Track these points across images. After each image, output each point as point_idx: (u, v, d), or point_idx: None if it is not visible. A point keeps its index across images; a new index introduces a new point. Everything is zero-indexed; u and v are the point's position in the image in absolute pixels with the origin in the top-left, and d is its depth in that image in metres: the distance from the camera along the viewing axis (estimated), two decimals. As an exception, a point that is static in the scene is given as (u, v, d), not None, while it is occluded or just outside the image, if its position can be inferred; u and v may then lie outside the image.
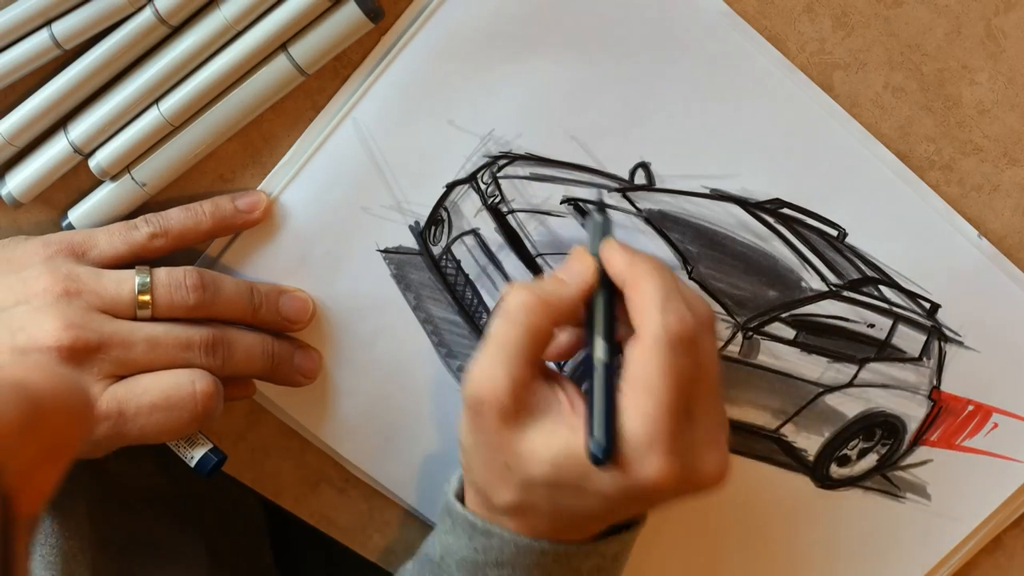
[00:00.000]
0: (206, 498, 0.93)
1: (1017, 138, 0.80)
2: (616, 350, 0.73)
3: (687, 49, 0.79)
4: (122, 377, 0.76)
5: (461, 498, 0.78)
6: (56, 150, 0.79)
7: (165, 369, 0.76)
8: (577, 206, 0.81)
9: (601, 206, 0.80)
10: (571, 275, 0.75)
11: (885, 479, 0.85)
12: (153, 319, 0.77)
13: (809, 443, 0.84)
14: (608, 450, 0.70)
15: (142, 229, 0.78)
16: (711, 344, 0.73)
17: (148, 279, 0.77)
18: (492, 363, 0.73)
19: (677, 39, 0.79)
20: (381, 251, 0.82)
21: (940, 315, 0.82)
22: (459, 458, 0.77)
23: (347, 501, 0.87)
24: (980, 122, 0.80)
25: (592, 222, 0.79)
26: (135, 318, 0.76)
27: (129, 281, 0.76)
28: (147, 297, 0.76)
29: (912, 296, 0.82)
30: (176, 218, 0.79)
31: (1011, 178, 0.81)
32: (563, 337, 0.78)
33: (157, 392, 0.75)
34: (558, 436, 0.72)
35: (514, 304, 0.74)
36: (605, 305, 0.75)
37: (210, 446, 0.80)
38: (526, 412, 0.73)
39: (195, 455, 0.80)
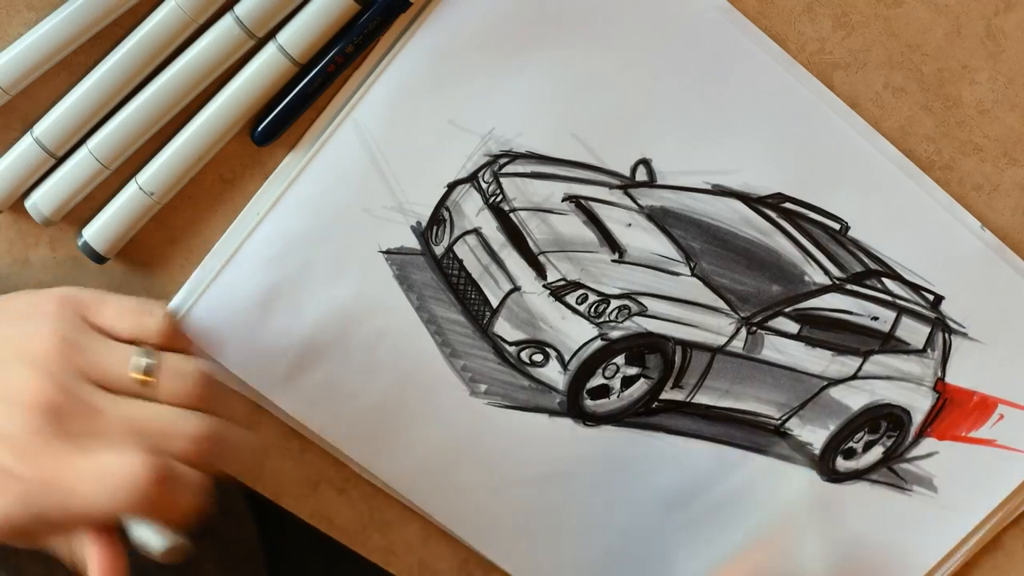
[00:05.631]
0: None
1: (1017, 138, 0.81)
2: None
3: (687, 45, 0.79)
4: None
5: None
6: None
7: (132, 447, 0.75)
8: (579, 204, 0.81)
9: None
10: None
11: (891, 472, 0.85)
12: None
13: (815, 436, 0.84)
14: None
15: (156, 315, 0.77)
16: None
17: (153, 361, 0.76)
18: None
19: (677, 35, 0.79)
20: (383, 252, 0.82)
21: (944, 307, 0.83)
22: None
23: (347, 501, 0.87)
24: (980, 122, 0.80)
25: None
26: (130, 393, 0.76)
27: (128, 361, 0.75)
28: (150, 379, 0.76)
29: (915, 288, 0.83)
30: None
31: (1011, 178, 0.81)
32: None
33: (102, 468, 0.74)
34: None
35: None
36: None
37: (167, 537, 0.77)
38: None
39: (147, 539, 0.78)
